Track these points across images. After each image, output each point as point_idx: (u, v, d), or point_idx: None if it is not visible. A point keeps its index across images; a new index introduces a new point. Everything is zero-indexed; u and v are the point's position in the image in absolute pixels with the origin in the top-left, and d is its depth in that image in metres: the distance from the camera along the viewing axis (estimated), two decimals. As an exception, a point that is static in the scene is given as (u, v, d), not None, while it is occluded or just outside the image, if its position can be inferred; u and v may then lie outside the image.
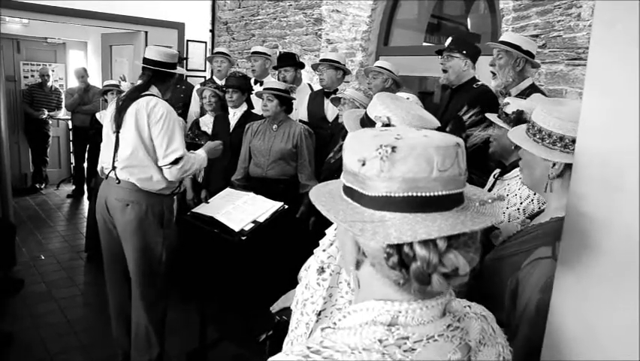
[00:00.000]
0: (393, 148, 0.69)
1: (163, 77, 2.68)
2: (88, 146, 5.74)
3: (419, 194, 0.69)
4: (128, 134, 2.55)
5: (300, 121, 4.03)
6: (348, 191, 0.76)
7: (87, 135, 5.36)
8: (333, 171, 2.98)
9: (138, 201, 2.60)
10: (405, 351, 0.69)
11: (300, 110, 4.19)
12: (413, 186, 0.69)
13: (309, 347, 0.71)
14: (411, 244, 0.68)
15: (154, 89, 2.65)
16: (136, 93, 2.61)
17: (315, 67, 4.00)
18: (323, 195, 0.80)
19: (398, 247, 0.69)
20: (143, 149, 2.56)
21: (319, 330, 0.76)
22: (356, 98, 2.97)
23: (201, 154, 2.80)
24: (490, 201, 0.76)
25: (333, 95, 3.21)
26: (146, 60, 2.66)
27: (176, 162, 2.56)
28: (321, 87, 4.01)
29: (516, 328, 1.20)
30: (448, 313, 0.76)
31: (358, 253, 0.76)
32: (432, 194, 0.69)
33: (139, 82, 2.73)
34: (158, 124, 2.53)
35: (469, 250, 0.71)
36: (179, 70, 2.79)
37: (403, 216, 0.69)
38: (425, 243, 0.68)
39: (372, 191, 0.71)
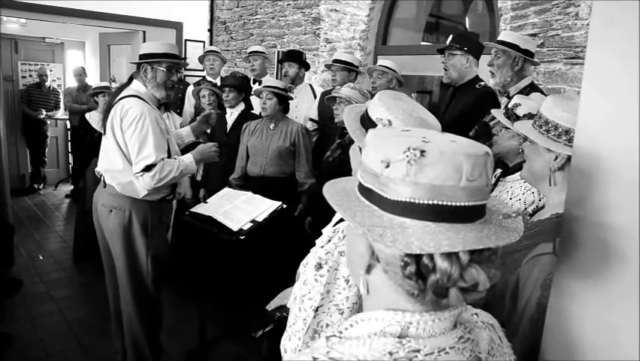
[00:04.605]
0: (422, 152, 0.65)
1: (137, 70, 2.56)
2: (77, 146, 5.69)
3: (444, 203, 0.66)
4: (108, 139, 2.48)
5: (310, 120, 4.04)
6: (366, 191, 0.72)
7: (78, 135, 5.34)
8: (331, 169, 2.98)
9: (121, 207, 2.51)
10: None
11: (301, 109, 4.19)
12: (439, 193, 0.65)
13: (315, 358, 0.68)
14: (431, 255, 0.65)
15: (137, 85, 2.54)
16: (117, 93, 2.53)
17: (328, 66, 4.00)
18: (337, 194, 0.76)
19: (417, 257, 0.66)
20: (119, 153, 2.45)
21: (324, 339, 0.73)
22: (352, 97, 2.97)
23: (185, 159, 2.59)
24: (513, 215, 0.73)
25: (328, 95, 3.20)
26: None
27: (148, 169, 2.40)
28: (331, 87, 3.99)
29: (516, 326, 1.20)
30: (459, 324, 0.73)
31: (372, 257, 0.72)
32: (458, 204, 0.66)
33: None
34: (130, 128, 2.39)
35: (491, 265, 0.67)
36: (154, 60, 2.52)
37: (425, 224, 0.66)
38: (447, 255, 0.65)
39: (393, 195, 0.67)
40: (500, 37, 2.71)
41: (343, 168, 2.85)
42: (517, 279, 1.24)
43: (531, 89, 2.60)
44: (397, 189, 0.67)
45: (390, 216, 0.68)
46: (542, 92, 2.61)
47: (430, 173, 0.65)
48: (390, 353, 0.67)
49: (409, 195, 0.66)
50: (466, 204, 0.67)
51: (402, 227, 0.66)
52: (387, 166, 0.68)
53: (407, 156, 0.66)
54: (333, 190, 0.78)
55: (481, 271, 0.66)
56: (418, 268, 0.66)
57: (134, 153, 2.42)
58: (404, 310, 0.70)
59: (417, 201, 0.66)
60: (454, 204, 0.66)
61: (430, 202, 0.66)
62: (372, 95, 2.82)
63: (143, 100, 2.49)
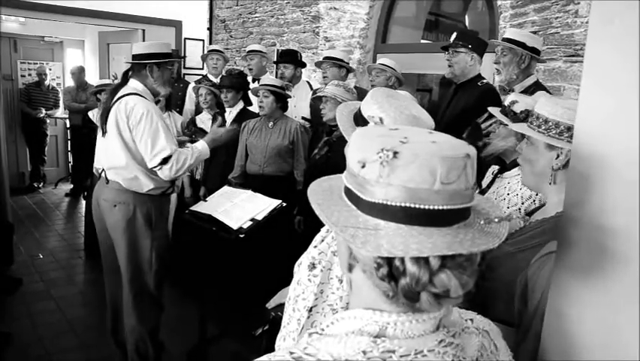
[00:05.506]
0: (395, 153, 0.64)
1: (138, 69, 2.59)
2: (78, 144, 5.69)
3: (418, 206, 0.64)
4: (111, 136, 2.52)
5: (303, 118, 4.03)
6: (347, 191, 0.72)
7: (81, 134, 5.34)
8: (318, 167, 2.98)
9: (126, 202, 2.56)
10: None
11: (300, 107, 4.19)
12: (413, 196, 0.64)
13: (291, 353, 0.68)
14: (402, 259, 0.64)
15: (135, 84, 2.58)
16: (115, 92, 2.56)
17: (319, 64, 4.00)
18: (321, 192, 0.76)
19: (389, 259, 0.65)
20: (125, 150, 2.50)
21: (306, 335, 0.74)
22: (337, 95, 2.96)
23: (199, 146, 2.69)
24: (496, 220, 0.71)
25: (314, 95, 3.20)
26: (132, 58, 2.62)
27: (165, 161, 2.48)
28: (322, 85, 3.99)
29: (528, 326, 1.18)
30: (442, 327, 0.72)
31: (350, 256, 0.72)
32: (432, 207, 0.65)
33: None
34: (139, 126, 2.45)
35: (463, 272, 0.66)
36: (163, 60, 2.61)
37: (398, 227, 0.65)
38: (417, 259, 0.64)
39: (369, 196, 0.67)
40: (507, 35, 2.70)
41: (330, 166, 2.86)
42: (525, 279, 1.22)
43: (536, 87, 2.58)
44: (372, 191, 0.66)
45: (365, 218, 0.68)
46: (547, 91, 2.57)
47: (403, 175, 0.64)
48: (364, 352, 0.66)
49: (382, 197, 0.66)
50: (442, 207, 0.65)
51: (375, 229, 0.66)
52: (364, 167, 0.67)
53: (380, 157, 0.65)
54: (319, 188, 0.78)
55: (453, 278, 0.64)
56: (390, 270, 0.66)
57: (148, 148, 2.47)
58: (382, 310, 0.70)
59: (390, 203, 0.65)
60: (428, 207, 0.65)
61: (403, 204, 0.65)
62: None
63: (144, 97, 2.54)
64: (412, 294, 0.65)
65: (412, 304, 0.67)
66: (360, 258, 0.70)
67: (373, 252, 0.64)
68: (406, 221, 0.65)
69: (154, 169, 2.51)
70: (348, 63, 3.93)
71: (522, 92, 2.52)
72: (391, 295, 0.68)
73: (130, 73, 2.63)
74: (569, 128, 1.27)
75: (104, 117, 2.55)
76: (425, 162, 0.64)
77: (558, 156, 1.32)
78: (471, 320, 0.81)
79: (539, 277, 1.17)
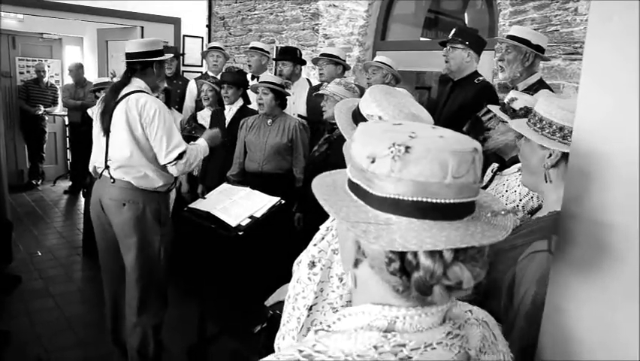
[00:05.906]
0: (407, 148, 0.65)
1: (143, 67, 2.57)
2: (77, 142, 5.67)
3: (429, 200, 0.65)
4: (120, 135, 2.49)
5: (299, 116, 4.03)
6: (354, 186, 0.72)
7: (80, 131, 5.33)
8: (317, 164, 2.97)
9: (135, 200, 2.54)
10: (401, 359, 0.66)
11: (299, 105, 4.19)
12: (423, 190, 0.65)
13: (300, 351, 0.68)
14: (415, 253, 0.65)
15: (138, 82, 2.55)
16: (117, 91, 2.53)
17: (315, 61, 4.00)
18: (325, 187, 0.76)
19: (401, 254, 0.66)
20: (137, 149, 2.50)
21: (313, 332, 0.74)
22: (337, 93, 2.95)
23: (202, 143, 2.74)
24: (502, 213, 0.72)
25: (315, 92, 3.21)
26: (126, 56, 2.57)
27: (179, 157, 2.52)
28: (319, 82, 4.00)
29: (513, 322, 1.20)
30: (448, 319, 0.73)
31: (358, 252, 0.72)
32: (443, 201, 0.65)
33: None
34: (153, 123, 2.46)
35: (475, 264, 0.67)
36: (165, 56, 2.67)
37: (410, 221, 0.66)
38: (431, 253, 0.64)
39: (379, 191, 0.67)
40: (512, 32, 2.68)
41: (329, 164, 2.86)
42: (513, 276, 1.24)
43: (540, 85, 2.57)
44: (382, 185, 0.67)
45: (375, 212, 0.68)
46: (550, 89, 2.55)
47: (414, 169, 0.65)
48: (376, 347, 0.67)
49: (393, 192, 0.66)
50: (452, 201, 0.66)
51: (387, 223, 0.66)
52: (373, 162, 0.68)
53: (392, 152, 0.66)
54: (323, 183, 0.78)
55: (465, 270, 0.65)
56: (402, 264, 0.66)
57: (163, 145, 2.49)
58: (391, 304, 0.70)
59: (401, 198, 0.66)
60: (439, 201, 0.65)
61: (415, 199, 0.65)
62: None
63: (150, 95, 2.55)
64: (425, 288, 0.66)
65: (423, 298, 0.68)
66: (370, 253, 0.70)
67: (387, 247, 0.64)
68: (417, 215, 0.66)
69: (169, 165, 2.53)
70: (344, 60, 3.93)
71: (525, 89, 2.51)
72: (401, 290, 0.68)
73: (132, 71, 2.58)
74: (562, 129, 1.28)
75: (108, 116, 2.51)
76: (436, 157, 0.65)
77: (550, 155, 1.33)
78: (470, 311, 0.82)
79: (525, 274, 1.19)
